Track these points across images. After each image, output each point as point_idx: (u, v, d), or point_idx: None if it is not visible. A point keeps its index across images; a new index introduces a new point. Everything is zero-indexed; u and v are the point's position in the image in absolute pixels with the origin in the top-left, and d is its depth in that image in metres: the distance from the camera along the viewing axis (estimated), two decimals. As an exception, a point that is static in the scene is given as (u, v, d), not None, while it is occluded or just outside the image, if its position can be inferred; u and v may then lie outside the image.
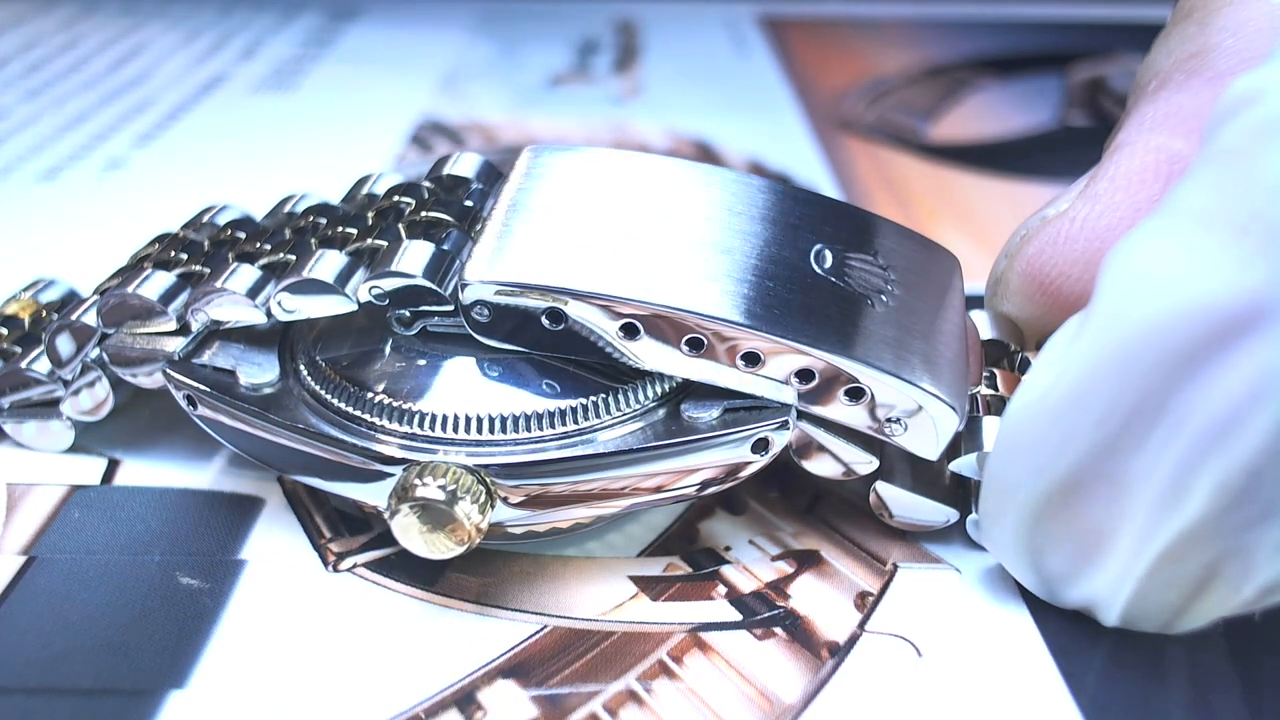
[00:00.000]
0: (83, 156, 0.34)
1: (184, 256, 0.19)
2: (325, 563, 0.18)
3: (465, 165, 0.19)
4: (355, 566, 0.18)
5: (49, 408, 0.20)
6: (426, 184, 0.19)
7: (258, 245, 0.18)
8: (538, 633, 0.16)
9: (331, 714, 0.15)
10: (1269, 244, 0.12)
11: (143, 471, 0.20)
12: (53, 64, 0.43)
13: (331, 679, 0.16)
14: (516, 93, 0.41)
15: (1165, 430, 0.13)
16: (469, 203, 0.18)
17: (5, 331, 0.21)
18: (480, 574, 0.17)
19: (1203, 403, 0.13)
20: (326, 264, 0.17)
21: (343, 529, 0.18)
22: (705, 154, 0.35)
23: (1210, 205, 0.13)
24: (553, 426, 0.16)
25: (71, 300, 0.21)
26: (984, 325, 0.19)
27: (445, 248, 0.17)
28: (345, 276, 0.17)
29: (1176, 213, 0.13)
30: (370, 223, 0.18)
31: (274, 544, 0.18)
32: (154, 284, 0.18)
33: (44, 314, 0.21)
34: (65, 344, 0.19)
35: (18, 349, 0.20)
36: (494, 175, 0.19)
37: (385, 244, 0.17)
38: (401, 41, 0.47)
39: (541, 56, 0.45)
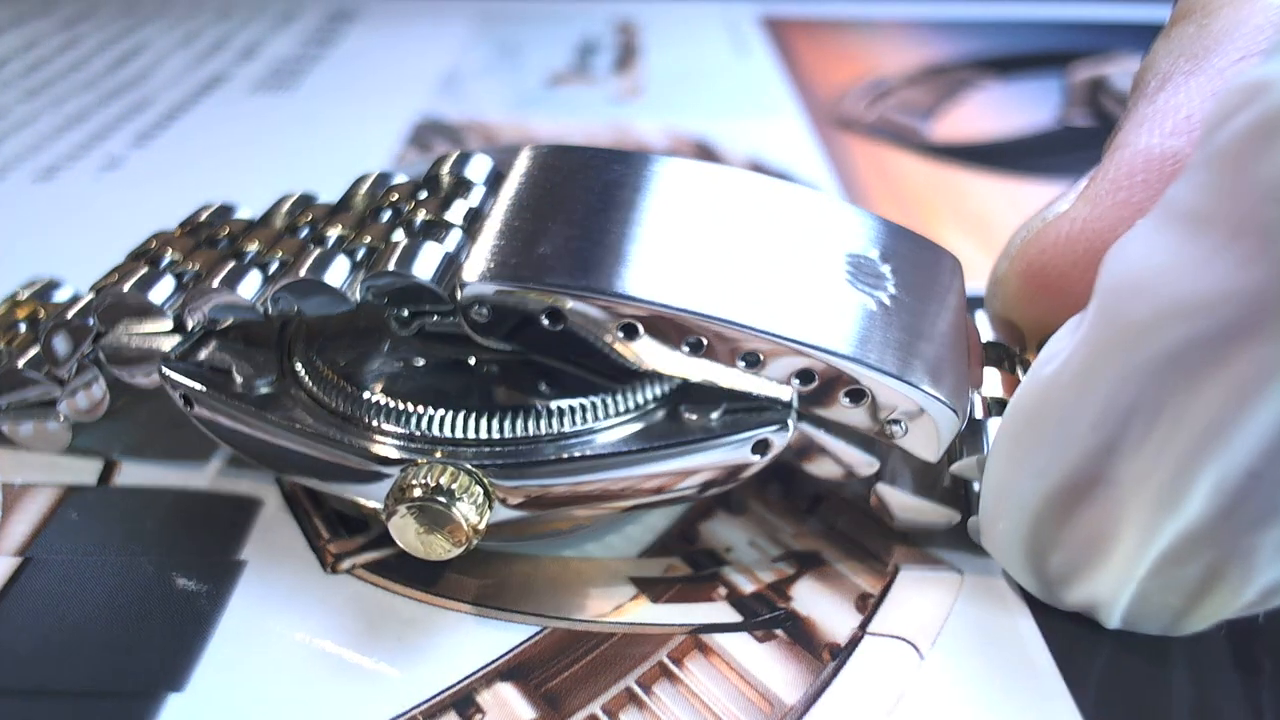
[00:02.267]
0: (81, 156, 0.34)
1: (180, 255, 0.19)
2: (324, 564, 0.18)
3: (464, 165, 0.19)
4: (354, 567, 0.18)
5: (46, 408, 0.20)
6: (425, 183, 0.19)
7: (255, 244, 0.18)
8: (537, 634, 0.16)
9: (331, 715, 0.15)
10: (1266, 245, 0.12)
11: (140, 472, 0.20)
12: (52, 64, 0.43)
13: (330, 680, 0.15)
14: (516, 93, 0.41)
15: (1163, 432, 0.13)
16: (469, 202, 0.18)
17: (2, 331, 0.21)
18: (479, 575, 0.17)
19: (1200, 404, 0.13)
20: (324, 263, 0.17)
21: (341, 530, 0.18)
22: (705, 154, 0.35)
23: (1207, 206, 0.13)
24: (551, 427, 0.16)
25: (69, 299, 0.21)
26: (984, 327, 0.19)
27: (444, 247, 0.17)
28: (343, 276, 0.17)
29: (1173, 213, 0.13)
30: (369, 222, 0.18)
31: (272, 545, 0.18)
32: (150, 283, 0.18)
33: (42, 314, 0.21)
34: (62, 343, 0.19)
35: (15, 349, 0.20)
36: (493, 175, 0.19)
37: (384, 243, 0.17)
38: (401, 41, 0.47)
39: (541, 56, 0.45)
